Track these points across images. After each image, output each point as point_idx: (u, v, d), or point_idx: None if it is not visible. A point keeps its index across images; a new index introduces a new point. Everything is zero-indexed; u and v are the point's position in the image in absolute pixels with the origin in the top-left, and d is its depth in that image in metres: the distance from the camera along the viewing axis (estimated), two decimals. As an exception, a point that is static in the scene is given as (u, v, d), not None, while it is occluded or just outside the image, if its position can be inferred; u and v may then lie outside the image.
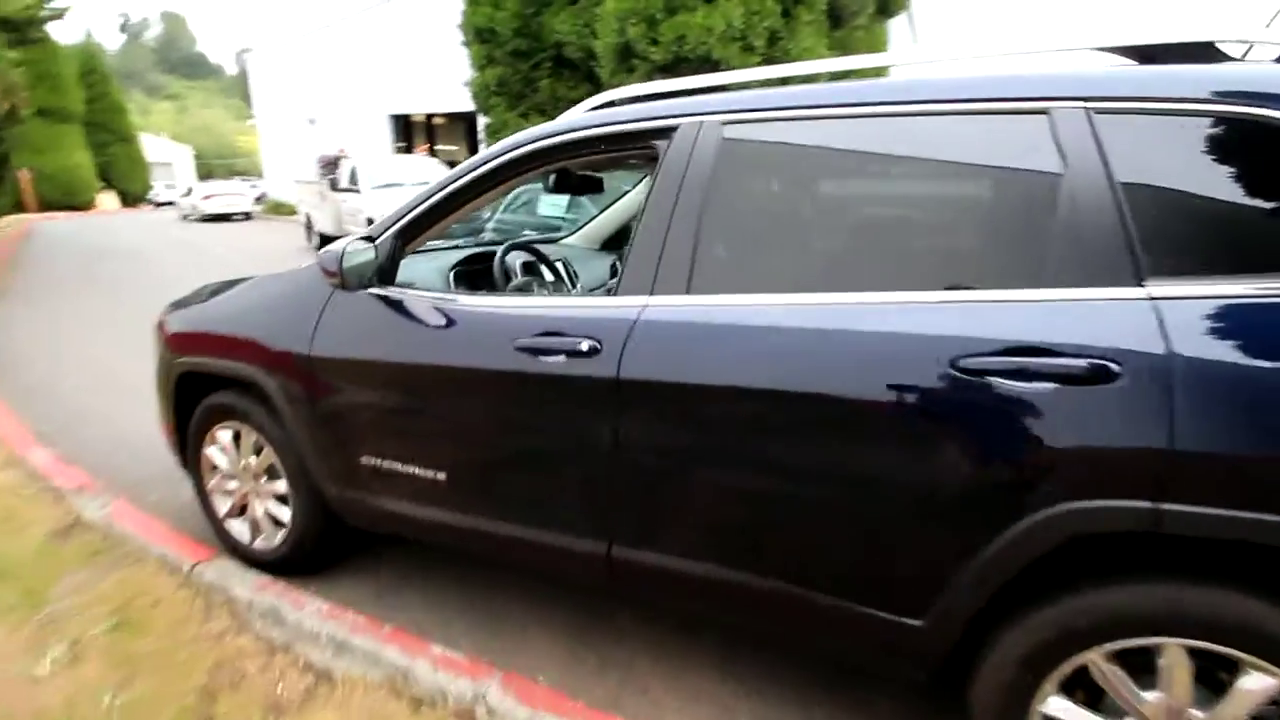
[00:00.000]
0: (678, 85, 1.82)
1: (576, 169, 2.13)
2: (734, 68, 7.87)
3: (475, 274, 2.46)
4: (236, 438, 2.36)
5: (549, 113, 10.51)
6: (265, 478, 2.33)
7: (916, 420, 1.36)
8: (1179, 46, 1.41)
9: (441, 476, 1.91)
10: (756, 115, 1.59)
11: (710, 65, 8.54)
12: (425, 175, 11.50)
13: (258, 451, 2.32)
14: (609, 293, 1.69)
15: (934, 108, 1.43)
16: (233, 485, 2.42)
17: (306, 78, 21.51)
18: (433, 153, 17.45)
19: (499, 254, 2.43)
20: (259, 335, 2.18)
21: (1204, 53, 1.39)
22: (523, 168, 1.85)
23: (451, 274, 2.38)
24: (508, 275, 2.43)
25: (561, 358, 1.65)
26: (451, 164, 14.01)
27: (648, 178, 3.21)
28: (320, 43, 20.40)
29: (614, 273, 3.35)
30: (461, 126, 20.17)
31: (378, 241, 1.95)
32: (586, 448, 1.68)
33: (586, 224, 3.43)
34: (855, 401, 1.39)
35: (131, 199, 30.94)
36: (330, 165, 12.68)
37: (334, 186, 11.79)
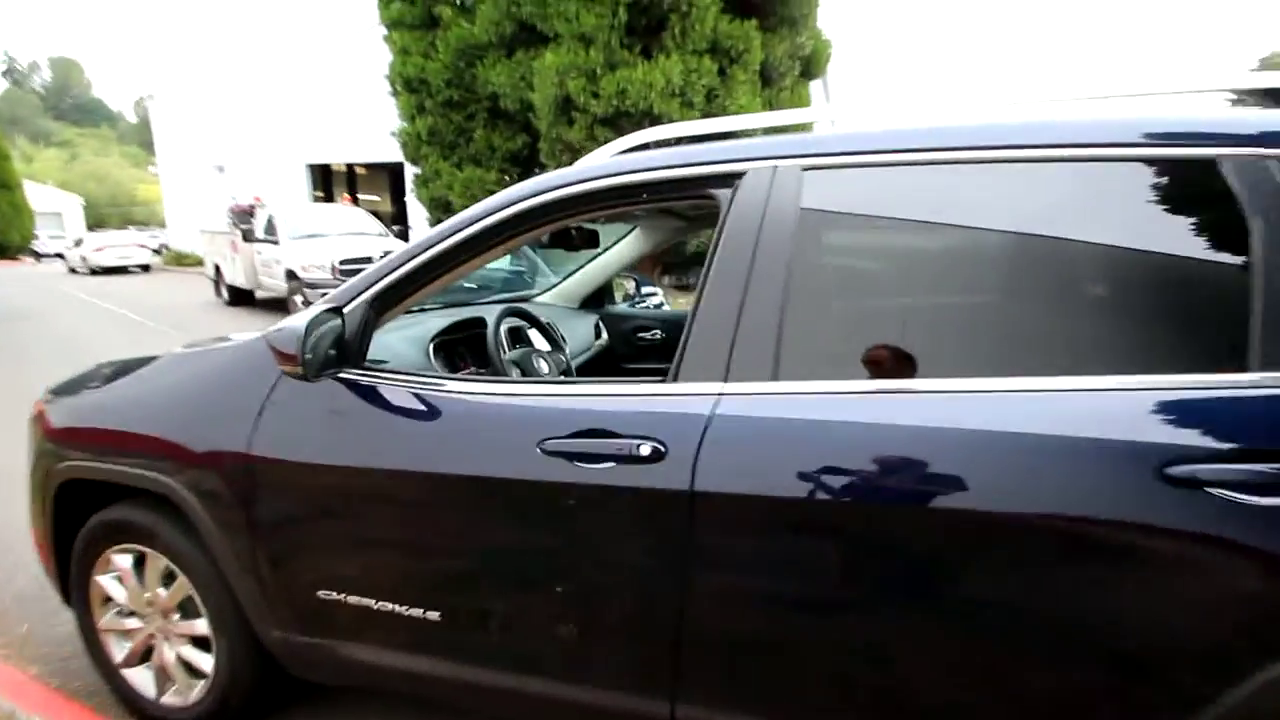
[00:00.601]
0: (726, 126, 1.51)
1: (602, 221, 1.78)
2: (675, 122, 7.87)
3: (455, 345, 2.03)
4: (139, 563, 1.82)
5: (484, 162, 10.35)
6: (178, 615, 1.79)
7: (1111, 544, 1.05)
8: None
9: (435, 616, 1.46)
10: (848, 159, 1.29)
11: (652, 119, 8.54)
12: (352, 225, 10.92)
13: (168, 581, 1.78)
14: (661, 378, 1.32)
15: (1071, 153, 1.18)
16: (133, 624, 1.86)
17: (215, 124, 20.43)
18: (355, 202, 16.74)
19: (493, 322, 2.01)
20: (175, 432, 1.67)
21: None
22: (538, 221, 1.48)
23: (431, 348, 1.95)
24: (502, 348, 2.01)
25: (610, 464, 1.27)
26: (375, 214, 13.40)
27: (636, 230, 2.94)
28: (231, 89, 19.48)
29: (598, 333, 3.00)
30: (385, 176, 19.59)
31: (346, 311, 1.52)
32: (643, 580, 1.28)
33: (565, 280, 3.07)
34: (1026, 519, 1.07)
35: (13, 251, 28.35)
36: (244, 214, 11.82)
37: (248, 237, 10.98)
